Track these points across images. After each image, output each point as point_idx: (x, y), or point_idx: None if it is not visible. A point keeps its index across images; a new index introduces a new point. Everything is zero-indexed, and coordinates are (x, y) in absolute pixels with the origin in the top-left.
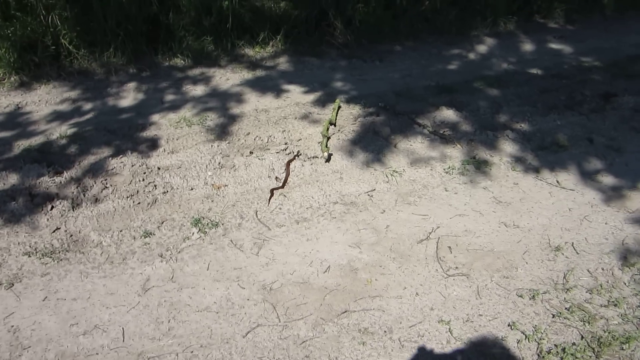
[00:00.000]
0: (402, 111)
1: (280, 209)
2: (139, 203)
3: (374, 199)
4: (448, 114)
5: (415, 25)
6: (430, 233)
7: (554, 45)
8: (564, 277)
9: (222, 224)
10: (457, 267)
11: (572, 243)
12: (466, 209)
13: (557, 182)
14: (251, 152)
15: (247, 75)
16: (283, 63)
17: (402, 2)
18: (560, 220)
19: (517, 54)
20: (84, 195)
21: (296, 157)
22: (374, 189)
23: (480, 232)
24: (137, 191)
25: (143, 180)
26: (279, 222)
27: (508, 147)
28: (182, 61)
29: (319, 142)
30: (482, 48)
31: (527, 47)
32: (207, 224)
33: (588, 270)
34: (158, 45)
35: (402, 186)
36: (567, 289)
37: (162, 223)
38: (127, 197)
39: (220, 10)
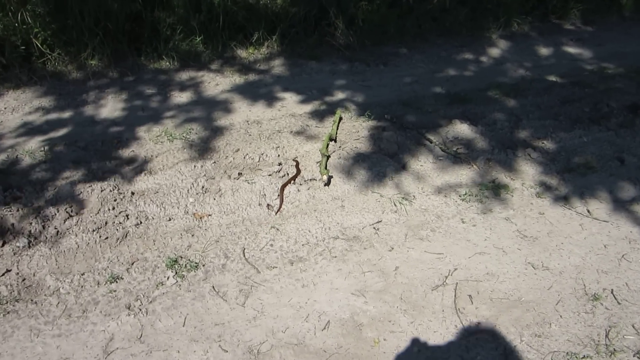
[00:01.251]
0: (411, 125)
1: (271, 245)
2: (107, 238)
3: (381, 233)
4: (461, 128)
5: (422, 25)
6: (446, 277)
7: (571, 49)
8: (606, 336)
9: (203, 265)
10: (479, 322)
11: (612, 290)
12: (487, 245)
13: (588, 211)
14: (240, 174)
15: (238, 79)
16: (278, 66)
17: None
18: (595, 260)
19: (533, 58)
20: (44, 228)
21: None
22: (380, 220)
23: (505, 276)
24: (106, 222)
25: (113, 208)
26: (270, 262)
27: (530, 168)
28: (167, 63)
29: (317, 162)
30: (495, 51)
31: (543, 50)
32: (186, 265)
33: (633, 326)
34: (141, 45)
35: (413, 217)
36: (612, 352)
37: (133, 264)
38: (94, 231)
39: (211, 7)
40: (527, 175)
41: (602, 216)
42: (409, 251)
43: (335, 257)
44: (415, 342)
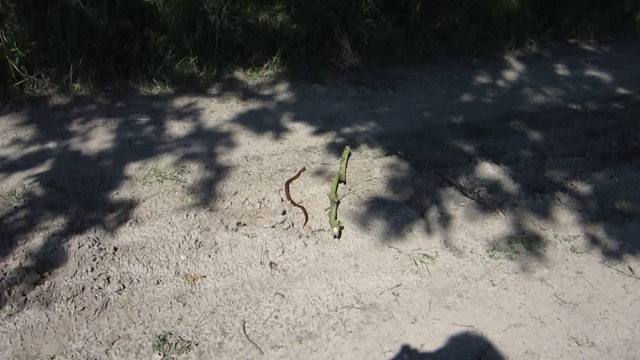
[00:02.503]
0: (427, 163)
1: (276, 317)
2: (84, 309)
3: (401, 300)
4: (483, 167)
5: (430, 45)
6: (480, 357)
7: (588, 72)
8: None
9: (197, 345)
10: None
11: None
12: (522, 314)
13: (630, 269)
14: (239, 224)
15: (236, 106)
16: (281, 92)
17: (416, 17)
18: None
19: (550, 82)
20: (9, 294)
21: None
22: (400, 284)
23: (546, 355)
24: (83, 288)
25: (92, 269)
26: (274, 339)
27: (562, 216)
28: (159, 87)
29: (325, 209)
30: (509, 74)
31: (560, 73)
32: (176, 344)
33: None
34: (130, 66)
35: (436, 278)
36: None
37: (113, 344)
38: (68, 299)
39: (206, 25)
40: (559, 224)
41: None
42: (434, 323)
43: (351, 332)
44: None
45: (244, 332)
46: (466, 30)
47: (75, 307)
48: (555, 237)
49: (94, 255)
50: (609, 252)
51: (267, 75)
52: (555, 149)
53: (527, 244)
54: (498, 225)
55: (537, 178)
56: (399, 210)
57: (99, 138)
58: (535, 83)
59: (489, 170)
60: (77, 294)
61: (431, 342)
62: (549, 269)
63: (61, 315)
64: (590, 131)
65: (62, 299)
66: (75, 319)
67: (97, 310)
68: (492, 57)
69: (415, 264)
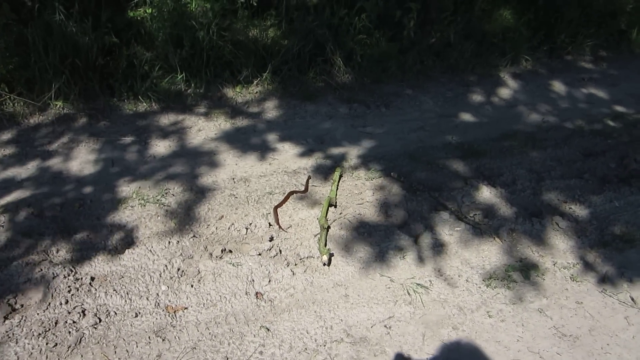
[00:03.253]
0: (421, 185)
1: (261, 354)
2: (56, 345)
3: (393, 333)
4: (479, 190)
5: (425, 62)
6: None
7: (584, 90)
8: None
9: None
10: None
11: None
12: (520, 349)
13: (632, 299)
14: (223, 251)
15: (224, 124)
16: (270, 109)
17: (410, 33)
18: None
19: (546, 100)
20: None
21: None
22: (392, 315)
23: None
24: (56, 322)
25: (67, 302)
26: None
27: (560, 242)
28: (145, 105)
29: (315, 235)
30: (505, 91)
31: (556, 90)
32: None
33: None
34: (115, 83)
35: (430, 310)
36: None
37: None
38: (40, 335)
39: (194, 41)
40: (557, 250)
41: None
42: (428, 359)
43: None
44: None
45: None
46: (461, 47)
47: (47, 344)
48: (554, 264)
49: (69, 286)
50: (609, 280)
51: (256, 93)
52: (552, 170)
53: (524, 273)
54: (494, 251)
55: (535, 201)
56: (392, 236)
57: (80, 158)
58: (531, 101)
59: (484, 193)
60: (49, 329)
61: None
62: (547, 299)
63: (31, 353)
64: (588, 152)
65: (33, 335)
66: (47, 357)
67: (70, 346)
68: (487, 74)
69: (409, 294)
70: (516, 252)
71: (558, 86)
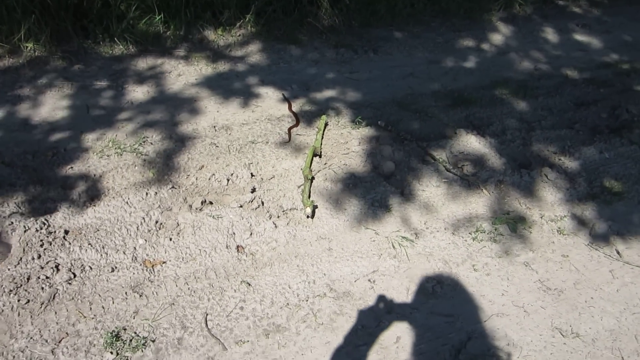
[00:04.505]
0: (409, 135)
1: (242, 309)
2: (29, 302)
3: (377, 287)
4: (468, 140)
5: (415, 5)
6: (459, 351)
7: (578, 36)
8: None
9: (153, 342)
10: None
11: None
12: (505, 303)
13: (618, 253)
14: (203, 203)
15: (206, 69)
16: (253, 53)
17: None
18: (632, 321)
19: (538, 47)
20: None
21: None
22: (377, 269)
23: (529, 347)
24: (28, 278)
25: (39, 257)
26: (239, 334)
27: (548, 194)
28: (122, 48)
29: (299, 186)
30: (497, 38)
31: (549, 37)
32: (130, 341)
33: None
34: (89, 24)
35: (415, 263)
36: None
37: (60, 341)
38: (11, 291)
39: None
40: (545, 203)
41: (635, 259)
42: (412, 313)
43: (322, 324)
44: None
45: (206, 326)
46: None
47: (18, 301)
48: (541, 217)
49: (41, 240)
50: (596, 234)
51: (239, 35)
52: (543, 120)
53: (512, 225)
54: (482, 204)
55: (524, 152)
56: (378, 188)
57: (53, 104)
58: (523, 48)
59: (473, 143)
60: (21, 285)
61: (408, 335)
62: (534, 253)
63: (2, 310)
64: (579, 101)
65: (4, 291)
66: (19, 314)
67: (43, 303)
68: (479, 19)
69: (394, 247)
70: (504, 205)
71: (551, 32)
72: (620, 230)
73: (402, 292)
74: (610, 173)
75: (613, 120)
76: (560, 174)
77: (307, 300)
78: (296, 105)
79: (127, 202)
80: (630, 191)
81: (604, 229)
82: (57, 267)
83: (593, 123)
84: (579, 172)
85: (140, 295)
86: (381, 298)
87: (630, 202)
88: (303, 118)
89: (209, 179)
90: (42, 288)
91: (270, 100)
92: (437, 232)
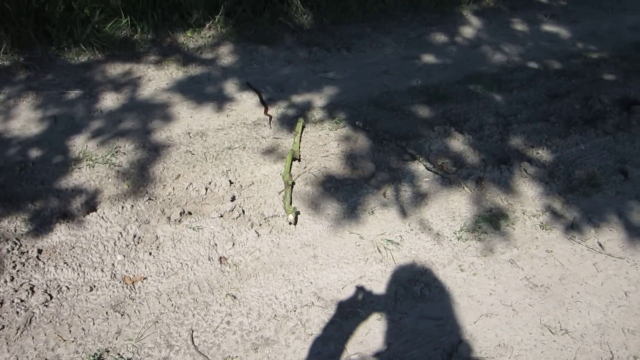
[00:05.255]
0: (387, 134)
1: (228, 323)
2: (3, 328)
3: (365, 293)
4: (446, 137)
5: (386, 0)
6: (451, 354)
7: (547, 27)
8: None
9: None
10: None
11: None
12: (493, 302)
13: (600, 245)
14: (182, 214)
15: (177, 73)
16: (225, 54)
17: None
18: (618, 315)
19: (509, 39)
20: None
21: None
22: (364, 275)
23: (520, 347)
24: (2, 302)
25: (12, 279)
26: (227, 349)
27: (528, 189)
28: (88, 53)
29: (279, 192)
30: (468, 31)
31: (519, 29)
32: None
33: None
34: (52, 29)
35: (402, 267)
36: None
37: None
38: None
39: None
40: (526, 198)
41: (616, 251)
42: (401, 318)
43: (312, 334)
44: None
45: (192, 343)
46: None
47: None
48: (523, 213)
49: (13, 261)
50: (577, 227)
51: (209, 37)
52: (519, 113)
53: (494, 223)
54: (464, 202)
55: (502, 147)
56: (359, 190)
57: (20, 116)
58: (494, 40)
59: (452, 140)
60: None
61: (399, 341)
62: (518, 249)
63: None
64: (553, 93)
65: None
66: None
67: (19, 328)
68: (450, 12)
69: (379, 251)
70: (485, 202)
71: (520, 24)
72: (600, 223)
73: (391, 297)
74: (587, 165)
75: (586, 111)
76: (539, 168)
77: (295, 311)
78: (272, 108)
79: (102, 217)
80: (608, 182)
81: (584, 222)
82: (32, 289)
83: (567, 115)
84: (556, 165)
85: (122, 315)
86: (370, 305)
87: (608, 194)
88: (279, 121)
89: (187, 188)
90: (17, 312)
91: (244, 103)
92: (421, 233)
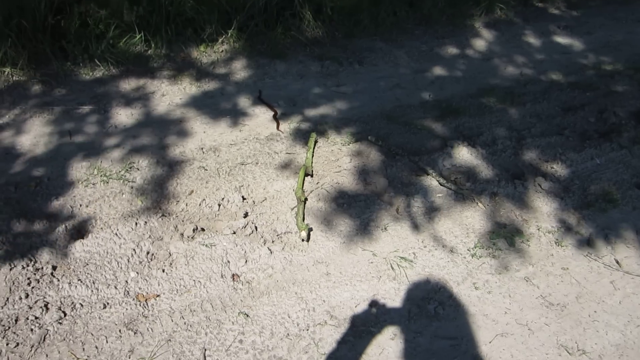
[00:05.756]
0: (400, 149)
1: (240, 342)
2: (17, 345)
3: (379, 312)
4: (459, 152)
5: (398, 13)
6: None
7: (560, 39)
8: None
9: None
10: None
11: None
12: (508, 321)
13: (617, 262)
14: (195, 230)
15: (190, 88)
16: (238, 69)
17: None
18: (637, 334)
19: (522, 51)
20: None
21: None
22: (377, 293)
23: None
24: (16, 319)
25: (27, 296)
26: None
27: (543, 204)
28: (102, 69)
29: (292, 209)
30: (480, 43)
31: (532, 41)
32: None
33: None
34: (68, 44)
35: (416, 284)
36: None
37: None
38: None
39: None
40: (541, 214)
41: (634, 268)
42: (415, 338)
43: (324, 354)
44: None
45: None
46: None
47: (7, 344)
48: (538, 229)
49: (28, 277)
50: (593, 243)
51: (222, 52)
52: (532, 127)
53: (509, 239)
54: (478, 218)
55: (516, 162)
56: (372, 207)
57: (34, 131)
58: (506, 52)
59: (465, 155)
60: (9, 327)
61: None
62: (533, 267)
63: None
64: (567, 106)
65: None
66: (8, 359)
67: (33, 346)
68: (462, 24)
69: (392, 268)
70: (500, 218)
71: (533, 36)
72: (617, 239)
73: (404, 316)
74: (603, 179)
75: (601, 125)
76: (554, 183)
77: (307, 330)
78: (284, 123)
79: (116, 234)
80: (624, 197)
81: (601, 238)
82: (46, 306)
83: (582, 128)
84: (571, 179)
85: (135, 333)
86: (383, 323)
87: (625, 209)
88: (291, 136)
89: (200, 204)
90: (32, 329)
91: (257, 118)
92: (435, 250)
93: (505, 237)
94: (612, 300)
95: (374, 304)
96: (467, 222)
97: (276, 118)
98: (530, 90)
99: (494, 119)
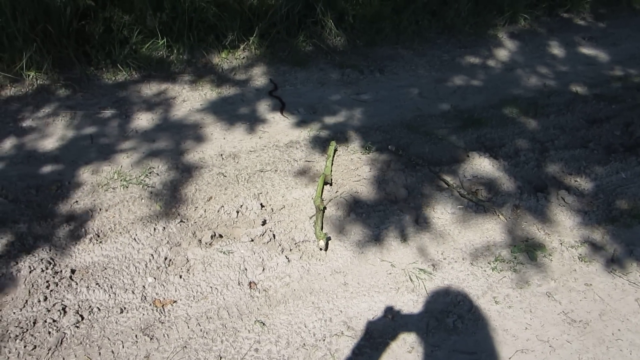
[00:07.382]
0: (420, 159)
1: (256, 351)
2: (35, 348)
3: (397, 324)
4: (481, 163)
5: (420, 22)
6: None
7: (585, 50)
8: None
9: None
10: None
11: None
12: (529, 337)
13: None
14: (213, 237)
15: (210, 94)
16: (258, 76)
17: None
18: None
19: (546, 62)
20: None
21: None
22: (395, 305)
23: None
24: (35, 322)
25: (45, 299)
26: None
27: (566, 218)
28: (125, 73)
29: (310, 217)
30: (503, 53)
31: (556, 51)
32: None
33: None
34: (91, 49)
35: (434, 297)
36: None
37: None
38: (17, 337)
39: (176, 3)
40: (564, 228)
41: None
42: (433, 351)
43: None
44: None
45: None
46: (457, 5)
47: (25, 347)
48: (560, 243)
49: (47, 280)
50: (618, 259)
51: (243, 58)
52: (556, 139)
53: (531, 253)
54: (499, 230)
55: (539, 174)
56: (391, 217)
57: (57, 134)
58: (530, 63)
59: (487, 166)
60: (27, 330)
61: None
62: (555, 282)
63: (8, 357)
64: (592, 118)
65: (10, 337)
66: None
67: (50, 349)
68: (485, 34)
69: (411, 280)
70: (521, 231)
71: (557, 46)
72: None
73: (422, 329)
74: (628, 194)
75: (627, 138)
76: (578, 197)
77: (324, 340)
78: (304, 130)
79: (134, 239)
80: None
81: (625, 255)
82: (64, 309)
83: (607, 141)
84: (596, 193)
85: (151, 338)
86: (401, 336)
87: None
88: (311, 144)
89: (218, 211)
90: (49, 332)
91: (277, 125)
92: (454, 263)
93: (526, 250)
94: (636, 318)
95: (391, 315)
96: (488, 234)
97: (282, 102)
98: (554, 101)
99: (516, 130)
